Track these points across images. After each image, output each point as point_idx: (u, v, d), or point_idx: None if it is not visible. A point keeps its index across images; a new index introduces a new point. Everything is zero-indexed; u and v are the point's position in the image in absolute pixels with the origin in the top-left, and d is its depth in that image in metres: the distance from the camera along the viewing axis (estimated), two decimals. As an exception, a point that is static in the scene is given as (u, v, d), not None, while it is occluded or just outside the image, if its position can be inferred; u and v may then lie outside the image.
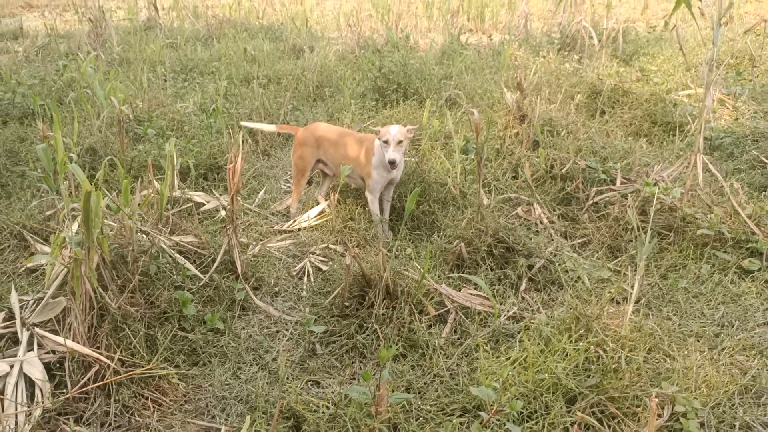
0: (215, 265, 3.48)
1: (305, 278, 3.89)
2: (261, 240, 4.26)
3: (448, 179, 4.61)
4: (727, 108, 6.11)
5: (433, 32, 12.57)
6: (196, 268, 3.44)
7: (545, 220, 4.37)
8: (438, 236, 4.10)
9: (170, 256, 3.28)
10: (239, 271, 3.54)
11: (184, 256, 3.46)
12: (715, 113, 5.90)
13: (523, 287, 3.69)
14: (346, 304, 3.40)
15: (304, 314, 3.50)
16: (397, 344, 3.16)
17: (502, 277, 3.77)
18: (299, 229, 4.47)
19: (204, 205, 4.54)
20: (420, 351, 3.15)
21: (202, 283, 3.39)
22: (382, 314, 3.29)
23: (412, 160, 4.83)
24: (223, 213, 4.44)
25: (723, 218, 4.01)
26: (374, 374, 2.41)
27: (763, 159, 4.89)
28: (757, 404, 2.77)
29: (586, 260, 3.96)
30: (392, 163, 4.05)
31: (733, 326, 3.30)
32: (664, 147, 5.39)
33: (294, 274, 3.95)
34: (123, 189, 3.22)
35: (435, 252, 3.95)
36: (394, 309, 3.34)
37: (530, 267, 3.80)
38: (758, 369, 2.93)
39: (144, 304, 3.01)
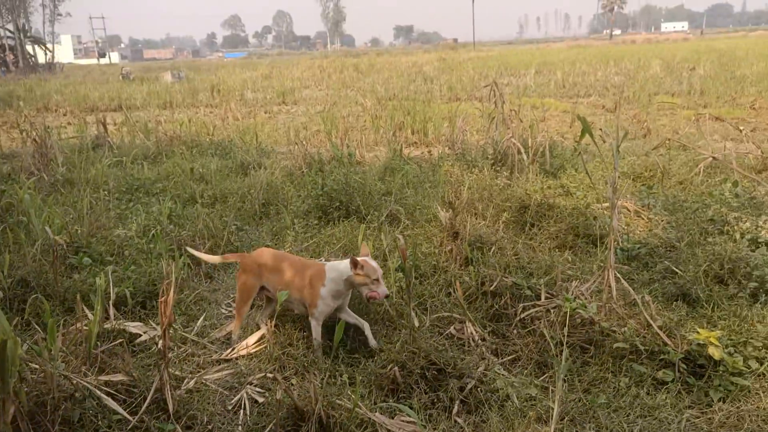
0: (145, 405, 3.49)
1: (241, 412, 3.91)
2: (197, 372, 4.29)
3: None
4: (642, 219, 6.58)
5: (379, 145, 13.18)
6: (126, 409, 3.44)
7: (477, 338, 4.55)
8: (372, 361, 4.22)
9: (96, 399, 3.28)
10: (170, 410, 3.56)
11: (113, 397, 3.46)
12: (629, 226, 6.34)
13: (455, 411, 3.80)
14: (279, 439, 3.44)
15: (239, 452, 3.50)
16: (329, 478, 3.20)
17: (435, 400, 3.88)
18: (237, 358, 4.52)
19: (140, 336, 4.56)
20: (352, 484, 3.18)
21: (130, 426, 3.38)
22: (316, 448, 3.34)
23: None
24: (160, 344, 4.47)
25: (637, 330, 4.27)
26: None
27: (675, 269, 5.26)
28: None
29: (515, 377, 4.12)
30: (388, 296, 4.35)
31: (649, 442, 3.46)
32: (585, 259, 5.74)
33: (230, 407, 3.97)
34: (48, 330, 3.26)
35: (370, 377, 4.06)
36: (327, 442, 3.39)
37: (462, 389, 3.93)
38: (672, 486, 3.07)
39: (67, 455, 2.99)
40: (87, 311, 4.32)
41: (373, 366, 4.13)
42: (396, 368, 3.97)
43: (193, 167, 9.58)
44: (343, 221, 6.94)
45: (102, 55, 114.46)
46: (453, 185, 7.41)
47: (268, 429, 3.49)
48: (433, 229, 6.32)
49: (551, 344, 4.27)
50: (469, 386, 3.91)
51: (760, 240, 5.70)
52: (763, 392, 3.81)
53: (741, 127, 9.37)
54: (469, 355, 4.27)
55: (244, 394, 4.02)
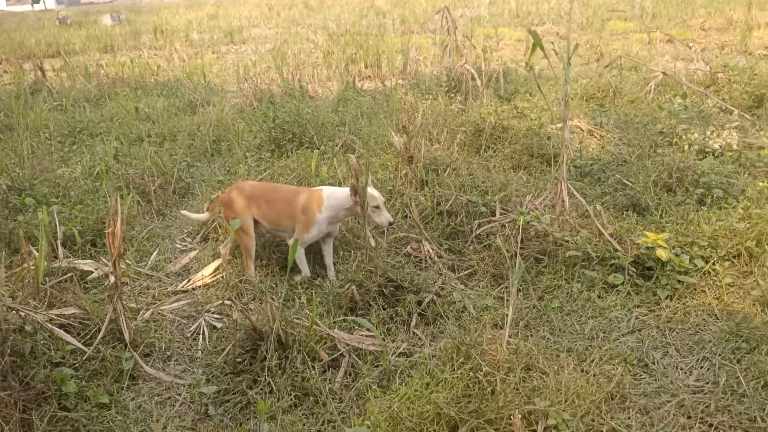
0: (100, 335, 3.43)
1: (200, 338, 3.89)
2: (154, 304, 4.23)
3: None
4: (595, 137, 6.64)
5: (332, 80, 12.90)
6: (81, 341, 3.38)
7: (433, 255, 4.58)
8: (330, 282, 4.22)
9: (48, 332, 3.20)
10: (127, 339, 3.51)
11: (66, 330, 3.39)
12: (582, 143, 6.40)
13: (413, 323, 3.85)
14: (239, 360, 3.44)
15: (198, 376, 3.49)
16: (290, 394, 3.22)
17: (393, 315, 3.91)
18: (194, 289, 4.47)
19: (91, 273, 4.46)
20: (313, 398, 3.22)
21: (86, 357, 3.33)
22: (276, 366, 3.35)
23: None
24: (112, 279, 4.37)
25: (589, 239, 4.36)
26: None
27: (625, 181, 5.35)
28: (622, 408, 3.01)
29: (471, 290, 4.19)
30: (392, 223, 4.37)
31: (599, 338, 3.58)
32: (540, 177, 5.78)
33: (188, 335, 3.94)
34: (-6, 267, 3.15)
35: (328, 297, 4.07)
36: (287, 359, 3.40)
37: (420, 303, 3.98)
38: (622, 375, 3.19)
39: (18, 387, 2.92)
40: (33, 250, 4.18)
41: (331, 286, 4.13)
42: (353, 287, 3.97)
43: (138, 107, 9.22)
44: (296, 152, 6.81)
45: (36, 0, 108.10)
46: (407, 112, 7.31)
47: (227, 350, 3.48)
48: (389, 156, 6.26)
49: (506, 257, 4.34)
50: (426, 300, 3.96)
51: (707, 150, 5.83)
52: (708, 288, 3.96)
53: (690, 45, 9.44)
54: (426, 272, 4.31)
55: (202, 322, 4.00)
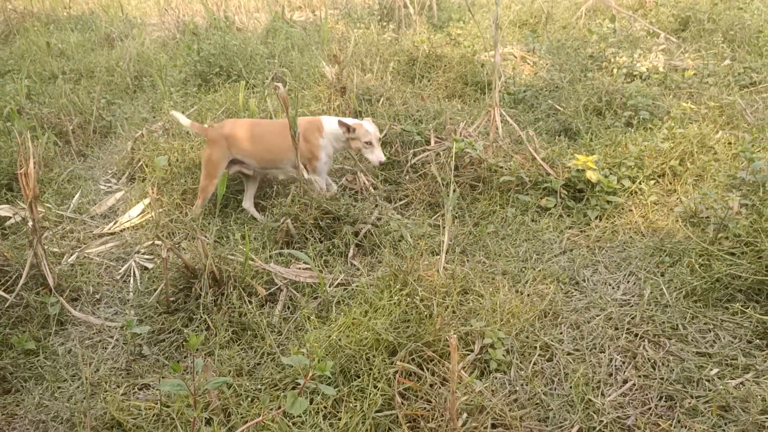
0: (21, 281, 3.25)
1: (131, 280, 3.76)
2: (79, 247, 4.04)
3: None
4: (528, 64, 6.64)
5: (261, 12, 12.33)
6: (1, 289, 3.20)
7: (369, 187, 4.54)
8: (264, 216, 4.13)
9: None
10: (51, 284, 3.34)
11: (-18, 277, 3.20)
12: (515, 70, 6.39)
13: (350, 254, 3.84)
14: (172, 299, 3.35)
15: (130, 317, 3.39)
16: (227, 330, 3.17)
17: (330, 247, 3.88)
18: (122, 231, 4.29)
19: (9, 218, 4.20)
20: (251, 333, 3.18)
21: (8, 304, 3.17)
22: (211, 303, 3.28)
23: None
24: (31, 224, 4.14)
25: (522, 164, 4.40)
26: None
27: (557, 107, 5.39)
28: (554, 324, 3.12)
29: (408, 219, 4.19)
30: (384, 164, 4.16)
31: (533, 260, 3.67)
32: (474, 105, 5.76)
33: (118, 277, 3.80)
34: None
35: (263, 232, 3.98)
36: (223, 296, 3.34)
37: (356, 234, 3.95)
38: (554, 294, 3.29)
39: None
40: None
41: (266, 221, 4.04)
42: (289, 221, 3.90)
43: (50, 42, 8.58)
44: (224, 86, 6.53)
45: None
46: (339, 42, 7.10)
47: (159, 290, 3.38)
48: (321, 88, 6.08)
49: (441, 185, 4.34)
50: (363, 231, 3.93)
51: (634, 73, 5.92)
52: (635, 207, 4.09)
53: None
54: (362, 203, 4.26)
55: (132, 263, 3.86)
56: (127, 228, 4.31)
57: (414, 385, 2.67)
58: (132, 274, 3.78)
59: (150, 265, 3.81)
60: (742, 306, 3.01)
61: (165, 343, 3.18)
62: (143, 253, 3.98)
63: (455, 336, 2.34)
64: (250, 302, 3.31)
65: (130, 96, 7.07)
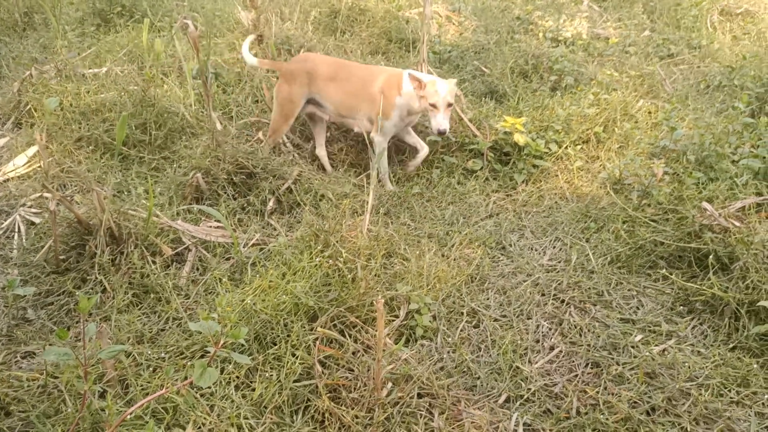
0: None
1: (15, 236, 3.32)
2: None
3: (180, 106, 4.23)
4: (453, 24, 6.46)
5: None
6: None
7: (288, 144, 4.24)
8: (172, 169, 3.76)
9: None
10: None
11: None
12: (441, 29, 6.19)
13: (268, 211, 3.56)
14: (62, 257, 2.96)
15: (13, 277, 2.98)
16: (126, 293, 2.84)
17: (245, 204, 3.59)
18: (6, 181, 3.79)
19: None
20: (155, 296, 2.87)
21: None
22: (108, 262, 2.93)
23: (135, 88, 4.31)
24: None
25: (450, 125, 4.23)
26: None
27: (483, 68, 5.26)
28: (481, 290, 3.01)
29: (332, 178, 3.94)
30: (442, 133, 3.60)
31: (460, 223, 3.54)
32: (399, 63, 5.53)
33: (0, 233, 3.34)
34: None
35: (169, 186, 3.63)
36: (123, 255, 2.99)
37: (274, 191, 3.67)
38: (481, 258, 3.18)
39: None
40: None
41: (173, 174, 3.68)
42: (199, 175, 3.56)
43: None
44: (127, 27, 5.94)
45: None
46: (256, -13, 6.62)
47: (46, 247, 2.98)
48: (236, 35, 5.64)
49: (367, 142, 4.11)
50: (283, 188, 3.66)
51: (560, 38, 5.88)
52: (561, 172, 4.04)
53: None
54: (281, 158, 3.97)
55: (17, 217, 3.40)
56: (12, 178, 3.81)
57: (335, 353, 2.48)
58: (17, 230, 3.33)
59: (38, 220, 3.37)
60: (665, 272, 3.00)
61: (53, 306, 2.82)
62: (30, 207, 3.52)
63: (381, 300, 2.16)
64: (154, 262, 2.99)
65: (18, 34, 6.32)
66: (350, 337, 2.60)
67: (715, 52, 6.13)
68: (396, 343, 2.62)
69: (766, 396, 2.33)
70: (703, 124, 4.06)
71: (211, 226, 3.32)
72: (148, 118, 4.14)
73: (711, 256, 2.87)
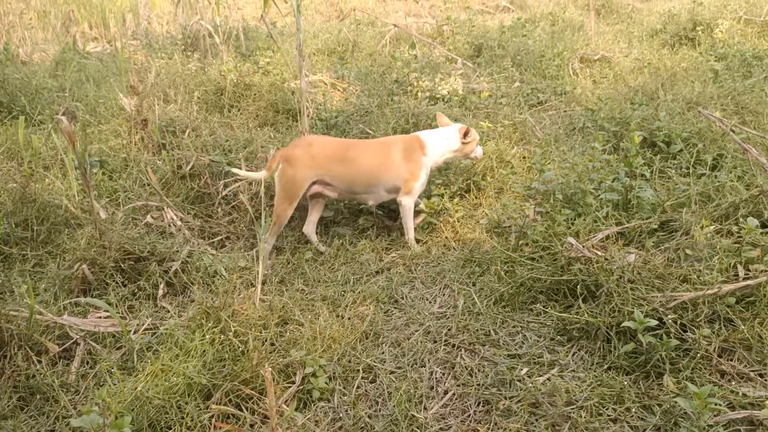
0: None
1: None
2: None
3: (63, 199, 4.17)
4: (338, 90, 6.75)
5: (51, 44, 11.31)
6: None
7: (179, 222, 4.25)
8: (56, 263, 3.68)
9: None
10: None
11: None
12: (326, 96, 6.46)
13: (159, 294, 3.54)
14: (-65, 369, 2.82)
15: None
16: (11, 397, 2.73)
17: (136, 290, 3.55)
18: None
19: None
20: (42, 396, 2.77)
21: None
22: (-12, 368, 2.81)
23: (13, 185, 4.22)
24: None
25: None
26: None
27: (368, 130, 5.51)
28: (376, 345, 3.10)
29: (224, 254, 3.97)
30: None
31: (352, 282, 3.65)
32: (287, 132, 5.70)
33: None
34: None
35: (54, 281, 3.54)
36: (6, 358, 2.89)
37: (166, 272, 3.66)
38: (374, 314, 3.28)
39: None
40: None
41: (56, 269, 3.60)
42: (84, 266, 3.51)
43: None
44: (5, 124, 5.82)
45: None
46: (138, 73, 6.68)
47: None
48: (120, 121, 5.64)
49: (253, 215, 4.20)
50: (173, 269, 3.65)
51: (437, 96, 6.27)
52: (444, 224, 4.25)
53: (418, 0, 10.06)
54: (171, 239, 3.97)
55: None
56: None
57: (232, 428, 2.48)
58: None
59: None
60: (543, 306, 3.21)
61: (-72, 424, 2.66)
62: None
63: (269, 369, 2.21)
64: (40, 362, 2.90)
65: None
66: (247, 409, 2.61)
67: (578, 96, 6.72)
68: (296, 409, 2.66)
69: (633, 409, 2.52)
70: (568, 165, 4.42)
71: (99, 317, 3.26)
72: (29, 214, 4.04)
73: (579, 286, 3.11)
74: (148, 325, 3.23)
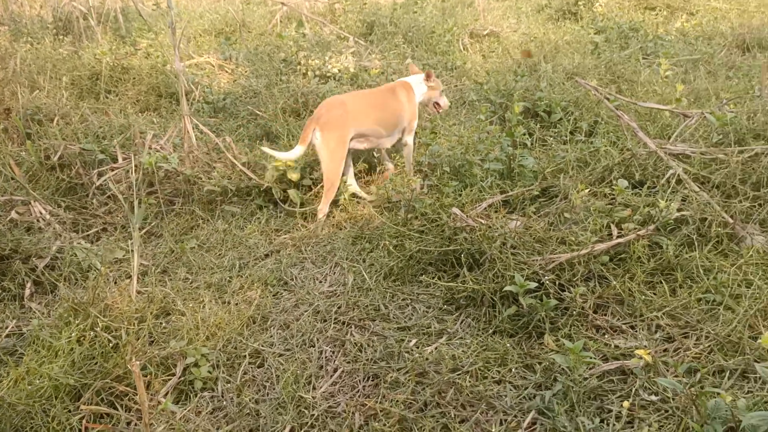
0: None
1: None
2: None
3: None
4: (226, 72, 6.51)
5: None
6: None
7: (48, 216, 3.95)
8: None
9: None
10: None
11: None
12: (212, 78, 6.21)
13: (26, 294, 3.27)
14: None
15: None
16: None
17: (1, 291, 3.27)
18: None
19: None
20: None
21: None
22: None
23: None
24: None
25: (225, 172, 4.23)
26: None
27: (257, 111, 5.35)
28: (264, 329, 3.00)
29: (99, 246, 3.73)
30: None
31: (238, 267, 3.52)
32: (171, 117, 5.43)
33: None
34: None
35: None
36: None
37: (33, 270, 3.38)
38: (262, 298, 3.18)
39: None
40: None
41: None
42: (-64, 269, 3.18)
43: None
44: None
45: None
46: (2, 60, 6.15)
47: None
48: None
49: (125, 205, 3.96)
50: (41, 266, 3.38)
51: (327, 74, 6.16)
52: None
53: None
54: (39, 235, 3.68)
55: None
56: None
57: (105, 427, 2.32)
58: None
59: None
60: (432, 277, 3.22)
61: None
62: None
63: (137, 363, 2.07)
64: None
65: None
66: (122, 407, 2.45)
67: (468, 70, 6.82)
68: (178, 402, 2.53)
69: (514, 369, 2.58)
70: (455, 138, 4.46)
71: (-46, 324, 2.97)
72: None
73: (464, 255, 3.14)
74: (12, 327, 2.97)
